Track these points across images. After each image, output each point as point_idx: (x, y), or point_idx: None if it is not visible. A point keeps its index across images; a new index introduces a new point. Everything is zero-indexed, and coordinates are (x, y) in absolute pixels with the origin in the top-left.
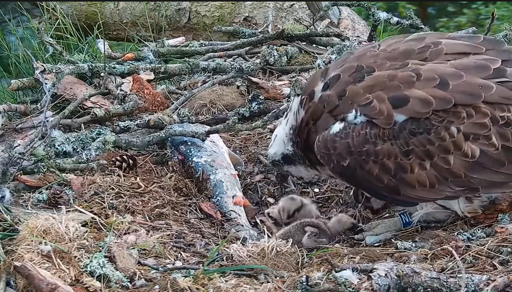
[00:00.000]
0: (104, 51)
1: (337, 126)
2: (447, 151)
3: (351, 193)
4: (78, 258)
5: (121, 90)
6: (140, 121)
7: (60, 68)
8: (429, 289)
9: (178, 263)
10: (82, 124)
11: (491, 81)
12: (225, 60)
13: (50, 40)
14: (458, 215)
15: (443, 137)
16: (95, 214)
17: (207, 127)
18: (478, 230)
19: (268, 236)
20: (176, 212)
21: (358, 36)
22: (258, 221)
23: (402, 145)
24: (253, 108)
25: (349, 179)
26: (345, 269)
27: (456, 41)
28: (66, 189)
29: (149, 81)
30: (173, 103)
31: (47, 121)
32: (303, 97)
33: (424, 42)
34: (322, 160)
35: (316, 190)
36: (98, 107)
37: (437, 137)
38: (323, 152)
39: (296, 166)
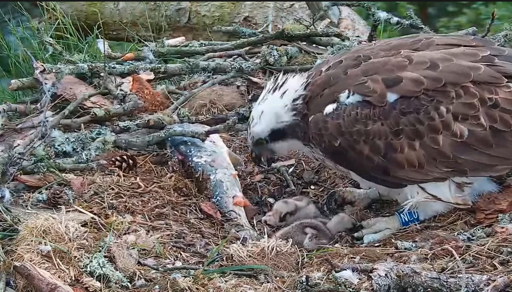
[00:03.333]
0: (104, 51)
1: (330, 107)
2: (437, 131)
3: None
4: (78, 258)
5: (121, 90)
6: (140, 121)
7: (60, 68)
8: (429, 289)
9: (178, 263)
10: (82, 124)
11: (479, 64)
12: (225, 60)
13: (50, 40)
14: (451, 202)
15: (433, 117)
16: (95, 214)
17: (207, 127)
18: (478, 230)
19: (268, 236)
20: (176, 212)
21: (358, 36)
22: (255, 223)
23: (393, 125)
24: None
25: (340, 160)
26: (345, 269)
27: (447, 36)
28: (66, 189)
29: (149, 81)
30: (173, 103)
31: (47, 121)
32: (309, 73)
33: (417, 38)
34: (314, 140)
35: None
36: (98, 107)
37: (426, 117)
38: (314, 132)
39: (286, 140)
